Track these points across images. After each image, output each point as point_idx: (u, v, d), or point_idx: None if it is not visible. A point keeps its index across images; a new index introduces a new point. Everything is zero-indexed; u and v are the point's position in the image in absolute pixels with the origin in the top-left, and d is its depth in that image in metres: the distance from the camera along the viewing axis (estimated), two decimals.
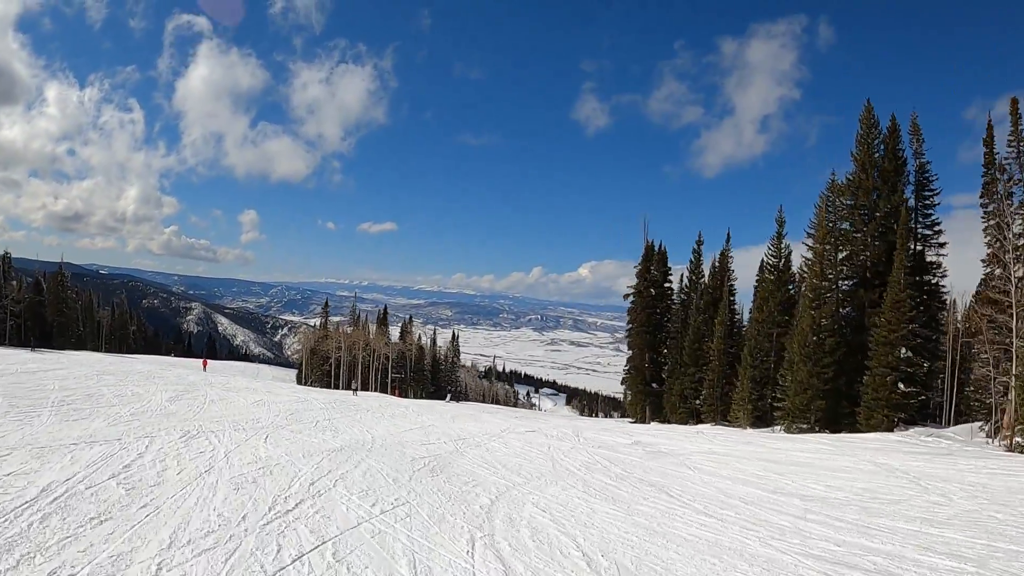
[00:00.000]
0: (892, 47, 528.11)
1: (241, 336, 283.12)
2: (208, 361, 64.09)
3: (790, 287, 33.94)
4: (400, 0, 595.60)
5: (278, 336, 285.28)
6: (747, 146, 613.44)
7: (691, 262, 41.37)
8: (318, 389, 49.98)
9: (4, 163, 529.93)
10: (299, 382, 70.59)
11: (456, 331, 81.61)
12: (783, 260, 34.48)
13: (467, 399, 60.51)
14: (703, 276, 40.30)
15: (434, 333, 74.29)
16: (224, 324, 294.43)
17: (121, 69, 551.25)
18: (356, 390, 43.26)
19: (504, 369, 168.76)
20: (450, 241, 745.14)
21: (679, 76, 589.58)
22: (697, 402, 36.56)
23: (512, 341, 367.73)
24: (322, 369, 67.59)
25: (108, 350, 77.53)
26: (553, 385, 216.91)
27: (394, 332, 72.22)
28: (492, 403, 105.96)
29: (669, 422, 37.63)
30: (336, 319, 78.32)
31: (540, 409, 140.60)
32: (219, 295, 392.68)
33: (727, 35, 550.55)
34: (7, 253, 65.19)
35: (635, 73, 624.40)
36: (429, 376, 69.43)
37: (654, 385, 41.53)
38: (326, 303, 75.25)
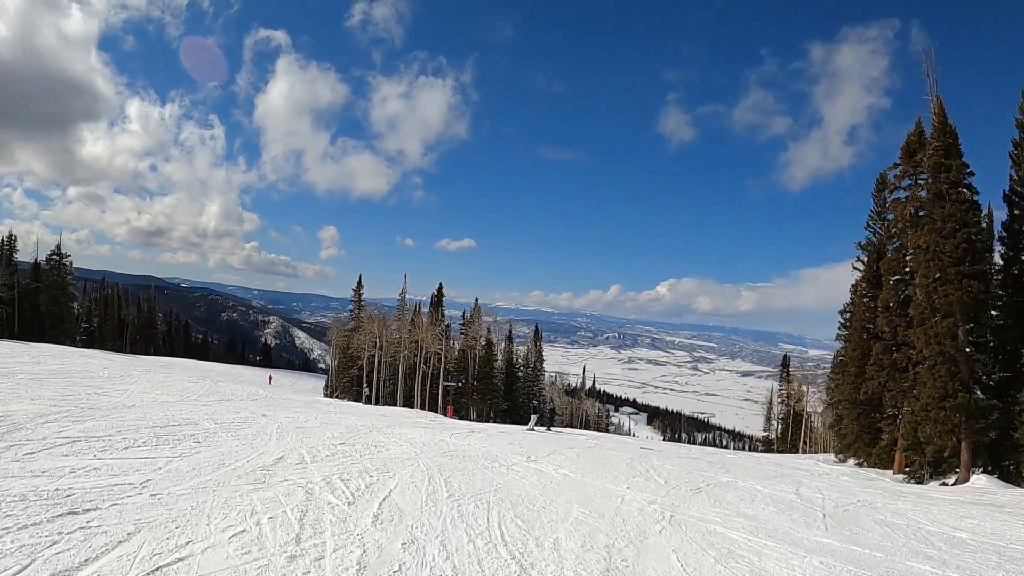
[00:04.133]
0: (981, 51, 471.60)
1: (318, 349, 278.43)
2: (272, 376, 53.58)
3: None
4: (480, 11, 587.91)
5: None
6: (833, 158, 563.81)
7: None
8: (351, 405, 29.91)
9: (89, 179, 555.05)
10: (327, 393, 50.65)
11: (539, 328, 58.83)
12: None
13: (555, 423, 37.56)
14: None
15: (510, 327, 51.96)
16: (301, 338, 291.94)
17: (201, 85, 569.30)
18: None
19: (590, 385, 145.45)
20: (528, 258, 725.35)
21: (765, 85, 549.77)
22: None
23: (589, 359, 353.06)
24: (349, 374, 47.14)
25: (133, 350, 69.80)
26: (633, 404, 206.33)
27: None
28: (582, 426, 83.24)
29: None
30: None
31: (632, 433, 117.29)
32: (298, 310, 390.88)
33: (816, 40, 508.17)
34: (11, 234, 57.93)
35: (719, 81, 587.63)
36: (502, 388, 47.05)
37: (980, 394, 18.07)
38: (359, 284, 54.19)
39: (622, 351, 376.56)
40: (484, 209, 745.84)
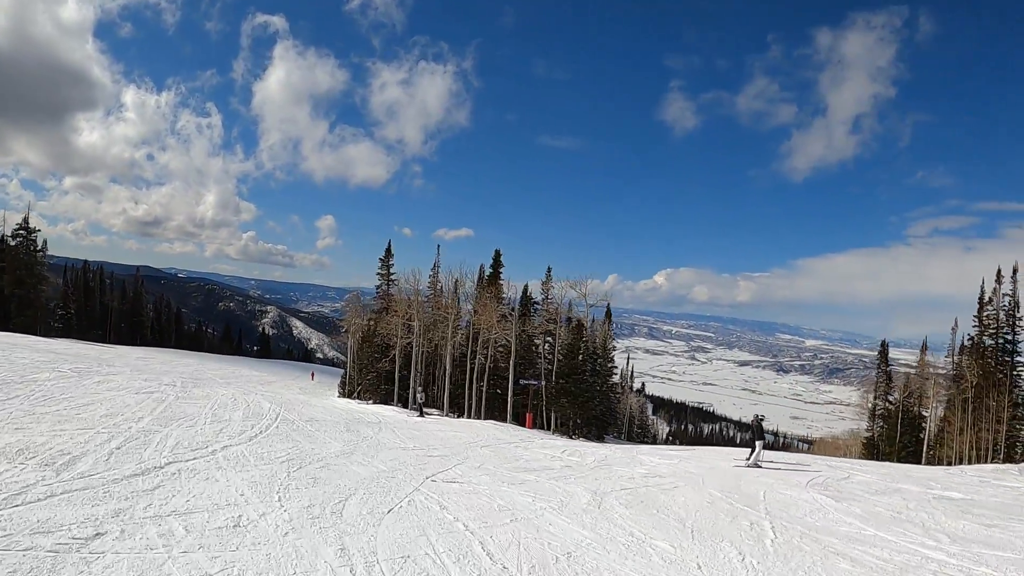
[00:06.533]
0: (994, 42, 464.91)
1: (316, 339, 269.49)
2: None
3: None
4: None
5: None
6: (837, 148, 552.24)
7: None
8: (406, 419, 18.49)
9: (85, 169, 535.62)
10: (345, 392, 38.90)
11: (610, 310, 45.74)
12: None
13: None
14: None
15: (569, 307, 39.14)
16: (299, 327, 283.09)
17: (199, 73, 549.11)
18: None
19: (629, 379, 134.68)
20: (525, 247, 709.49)
21: (770, 72, 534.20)
22: None
23: None
24: (376, 369, 35.28)
25: (117, 340, 61.38)
26: (637, 393, 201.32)
27: None
28: (629, 428, 72.01)
29: None
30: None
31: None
32: (295, 299, 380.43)
33: (824, 25, 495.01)
34: None
35: (723, 68, 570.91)
36: (597, 387, 34.70)
37: None
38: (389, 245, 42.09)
39: (619, 340, 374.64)
40: (483, 198, 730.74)
